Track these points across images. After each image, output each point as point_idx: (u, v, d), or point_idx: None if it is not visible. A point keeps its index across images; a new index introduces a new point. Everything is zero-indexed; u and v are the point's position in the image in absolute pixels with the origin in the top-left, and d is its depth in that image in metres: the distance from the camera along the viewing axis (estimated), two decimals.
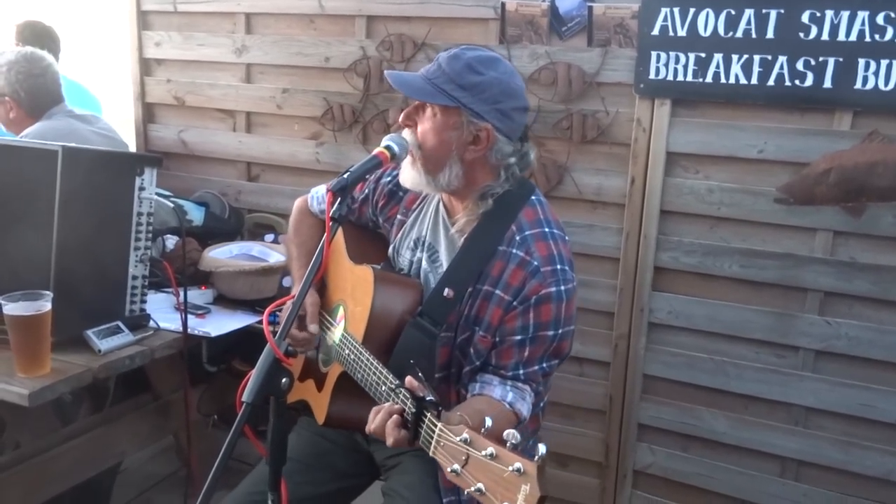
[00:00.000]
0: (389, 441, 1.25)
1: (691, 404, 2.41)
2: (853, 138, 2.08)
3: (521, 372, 1.46)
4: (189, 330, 2.06)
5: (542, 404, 1.60)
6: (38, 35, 3.45)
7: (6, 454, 2.35)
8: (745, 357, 2.32)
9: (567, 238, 1.55)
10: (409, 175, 1.54)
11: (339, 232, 1.69)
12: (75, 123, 2.56)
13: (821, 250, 2.18)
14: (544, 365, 1.48)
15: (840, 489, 2.26)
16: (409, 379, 1.26)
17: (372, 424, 1.29)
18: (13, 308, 1.69)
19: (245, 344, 2.33)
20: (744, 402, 2.34)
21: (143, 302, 2.03)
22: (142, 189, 1.98)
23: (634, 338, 2.42)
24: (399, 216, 1.70)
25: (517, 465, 0.97)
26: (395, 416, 1.25)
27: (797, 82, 2.10)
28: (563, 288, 1.45)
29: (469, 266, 1.49)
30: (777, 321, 2.25)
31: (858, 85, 2.03)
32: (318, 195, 1.88)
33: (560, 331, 1.46)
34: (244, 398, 1.17)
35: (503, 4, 2.40)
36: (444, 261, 1.57)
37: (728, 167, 2.25)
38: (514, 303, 1.44)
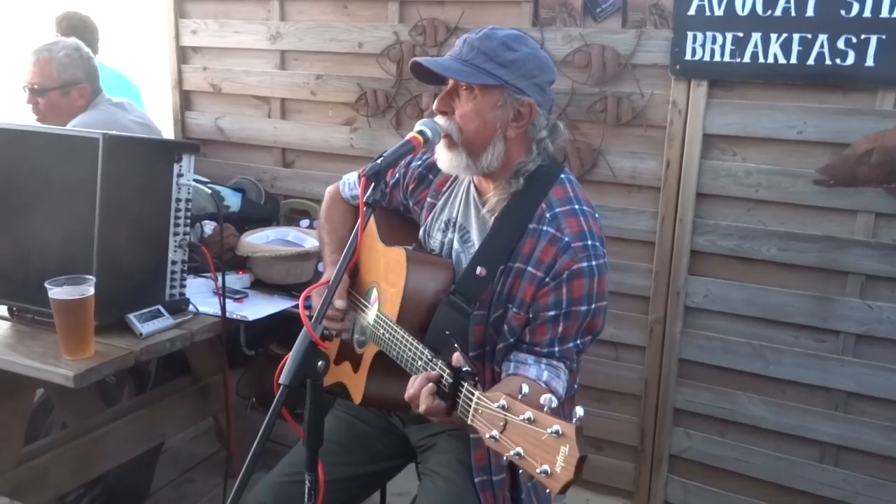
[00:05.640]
0: (422, 408, 1.26)
1: (728, 389, 2.38)
2: None
3: (556, 349, 1.46)
4: (227, 314, 2.09)
5: (574, 386, 1.60)
6: (77, 26, 3.51)
7: (53, 434, 2.43)
8: (784, 341, 2.29)
9: (597, 215, 1.54)
10: (447, 158, 1.53)
11: (371, 216, 1.71)
12: (116, 112, 2.59)
13: (862, 232, 2.13)
14: (578, 342, 1.48)
15: (882, 475, 2.23)
16: (455, 356, 1.26)
17: (410, 390, 1.30)
18: (58, 292, 1.73)
19: (282, 328, 2.36)
20: (782, 387, 2.32)
21: (183, 286, 2.06)
22: (180, 176, 2.01)
23: (670, 322, 2.41)
24: (429, 199, 1.71)
25: (556, 427, 0.97)
26: (430, 385, 1.26)
27: (838, 61, 2.05)
28: (594, 263, 1.45)
29: (501, 244, 1.49)
30: (817, 305, 2.22)
31: None
32: (349, 181, 1.90)
33: (593, 306, 1.46)
34: (281, 381, 1.19)
35: None
36: (476, 241, 1.57)
37: (766, 149, 2.22)
38: (547, 279, 1.44)
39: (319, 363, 1.22)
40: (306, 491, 1.28)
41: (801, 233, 2.21)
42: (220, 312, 2.08)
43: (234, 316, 2.14)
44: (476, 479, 1.53)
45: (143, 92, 3.80)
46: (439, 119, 1.52)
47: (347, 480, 1.68)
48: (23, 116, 2.57)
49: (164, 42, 3.18)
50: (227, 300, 2.12)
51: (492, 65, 1.45)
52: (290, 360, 1.20)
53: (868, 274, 2.15)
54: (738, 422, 2.39)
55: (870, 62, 2.02)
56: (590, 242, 1.46)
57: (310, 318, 1.24)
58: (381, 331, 1.52)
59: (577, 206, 1.51)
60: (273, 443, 1.40)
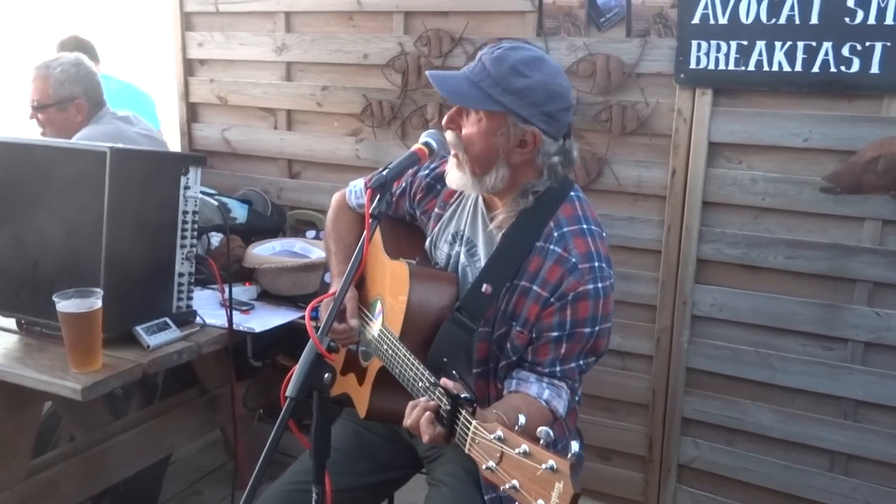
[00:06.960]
0: (425, 438, 1.26)
1: (736, 398, 2.37)
2: None
3: (558, 369, 1.46)
4: (234, 326, 2.09)
5: (577, 398, 1.59)
6: (78, 48, 3.54)
7: (62, 446, 2.43)
8: (792, 350, 2.28)
9: (605, 235, 1.54)
10: (456, 177, 1.53)
11: (377, 227, 1.71)
12: (121, 125, 2.60)
13: (869, 240, 2.13)
14: (581, 362, 1.48)
15: (892, 484, 2.21)
16: (444, 380, 1.26)
17: (408, 420, 1.30)
18: (66, 305, 1.74)
19: (289, 339, 2.36)
20: (790, 396, 2.31)
21: (190, 298, 2.07)
22: (187, 188, 2.01)
23: (677, 331, 2.40)
24: (436, 209, 1.71)
25: (551, 462, 0.97)
26: (428, 413, 1.26)
27: (843, 68, 2.05)
28: (600, 285, 1.44)
29: (507, 262, 1.49)
30: (824, 313, 2.21)
31: None
32: (355, 189, 1.89)
33: (597, 328, 1.46)
34: (288, 393, 1.19)
35: None
36: (483, 256, 1.57)
37: (772, 157, 2.21)
38: (552, 299, 1.43)
39: (326, 375, 1.22)
40: (313, 502, 1.29)
41: (808, 240, 2.20)
42: (226, 324, 2.08)
43: (241, 328, 2.14)
44: (486, 497, 1.53)
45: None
46: (448, 135, 1.52)
47: (354, 490, 1.67)
48: (31, 130, 2.60)
49: (170, 55, 3.20)
50: (234, 312, 2.12)
51: (497, 90, 1.43)
52: (296, 372, 1.20)
53: (876, 281, 2.14)
54: (747, 431, 2.38)
55: (875, 69, 2.01)
56: (597, 264, 1.45)
57: (316, 329, 1.24)
58: (385, 347, 1.52)
59: (585, 226, 1.50)
60: (280, 454, 1.40)
